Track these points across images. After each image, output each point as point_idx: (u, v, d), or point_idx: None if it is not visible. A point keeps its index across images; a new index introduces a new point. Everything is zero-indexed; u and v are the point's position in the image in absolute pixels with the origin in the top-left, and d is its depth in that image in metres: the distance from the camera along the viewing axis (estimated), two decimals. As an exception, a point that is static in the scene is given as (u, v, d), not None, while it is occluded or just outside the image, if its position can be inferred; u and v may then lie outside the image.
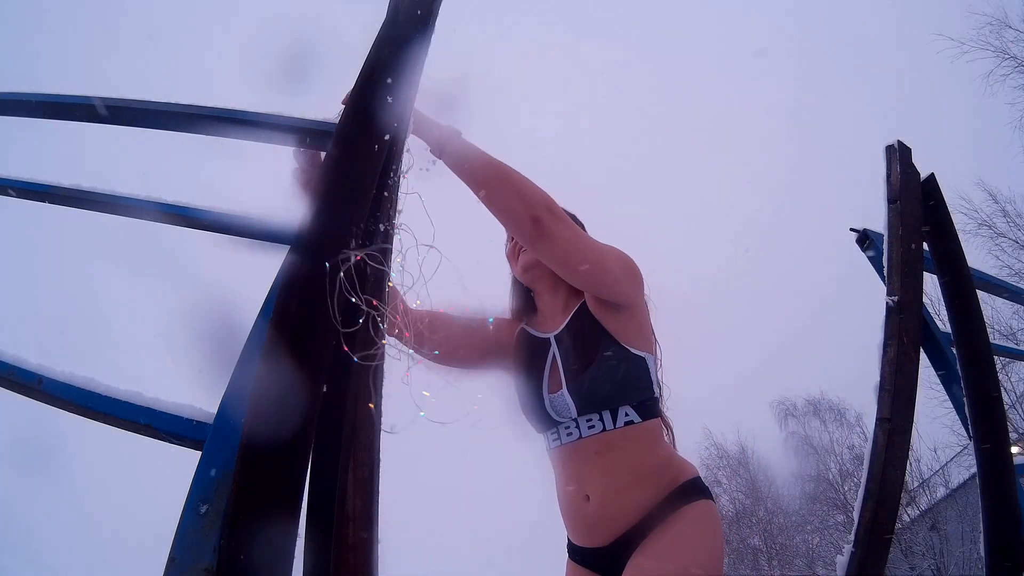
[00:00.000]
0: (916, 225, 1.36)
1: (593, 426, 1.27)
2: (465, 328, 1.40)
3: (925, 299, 1.38)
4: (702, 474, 1.33)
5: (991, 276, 1.77)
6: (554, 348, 1.34)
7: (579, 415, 1.28)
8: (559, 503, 1.34)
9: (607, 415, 1.26)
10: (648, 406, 1.29)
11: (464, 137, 1.15)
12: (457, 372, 1.40)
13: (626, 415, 1.26)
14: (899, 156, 1.41)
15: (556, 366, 1.32)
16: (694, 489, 1.27)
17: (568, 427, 1.30)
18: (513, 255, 1.45)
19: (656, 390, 1.31)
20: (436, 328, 1.30)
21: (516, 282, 1.48)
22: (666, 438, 1.35)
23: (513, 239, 1.45)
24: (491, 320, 1.45)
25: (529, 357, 1.37)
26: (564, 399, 1.28)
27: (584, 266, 1.21)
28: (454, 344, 1.36)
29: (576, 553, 1.33)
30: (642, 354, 1.29)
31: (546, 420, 1.33)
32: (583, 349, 1.29)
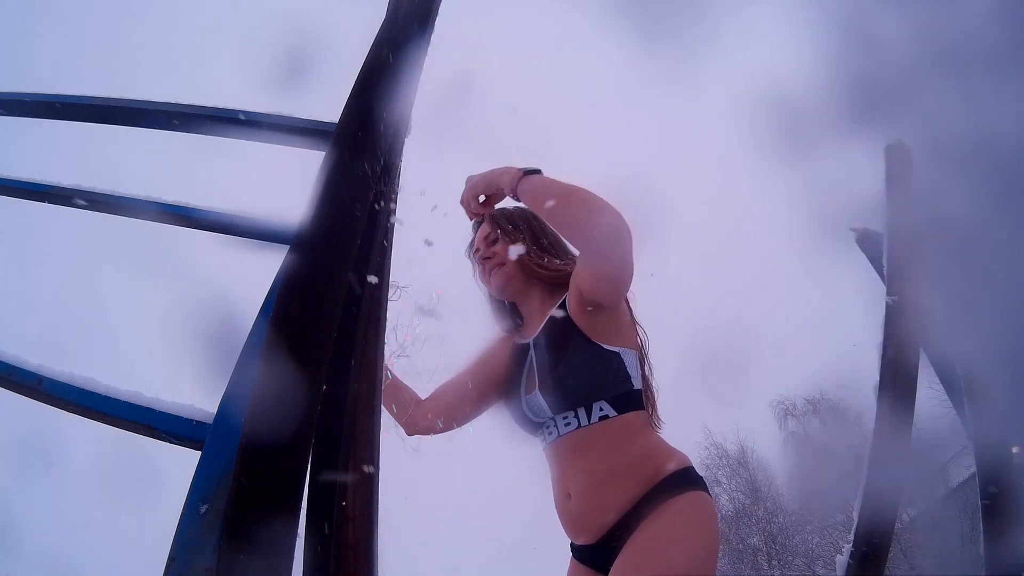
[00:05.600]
0: (916, 225, 1.37)
1: (569, 423, 1.29)
2: (458, 393, 1.46)
3: (925, 299, 1.38)
4: (702, 474, 1.32)
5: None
6: (532, 352, 1.36)
7: (555, 414, 1.30)
8: (553, 502, 1.37)
9: (581, 412, 1.28)
10: (625, 399, 1.29)
11: (533, 173, 1.25)
12: (466, 423, 1.49)
13: (600, 410, 1.27)
14: (899, 156, 1.42)
15: (532, 369, 1.34)
16: (681, 480, 1.25)
17: (549, 427, 1.32)
18: (485, 277, 1.47)
19: (636, 383, 1.31)
20: (436, 412, 1.43)
21: (496, 301, 1.50)
22: (654, 425, 1.35)
23: (482, 263, 1.47)
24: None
25: (513, 364, 1.40)
26: (537, 399, 1.31)
27: (626, 284, 1.25)
28: (452, 414, 1.46)
29: (575, 550, 1.34)
30: (616, 349, 1.29)
31: (528, 422, 1.35)
32: (554, 349, 1.31)
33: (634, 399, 1.30)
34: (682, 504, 1.21)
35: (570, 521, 1.30)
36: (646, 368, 1.37)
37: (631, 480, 1.24)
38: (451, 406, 1.46)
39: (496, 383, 1.44)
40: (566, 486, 1.30)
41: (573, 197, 1.20)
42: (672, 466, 1.26)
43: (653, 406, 1.36)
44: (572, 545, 1.34)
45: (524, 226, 1.44)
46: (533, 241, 1.43)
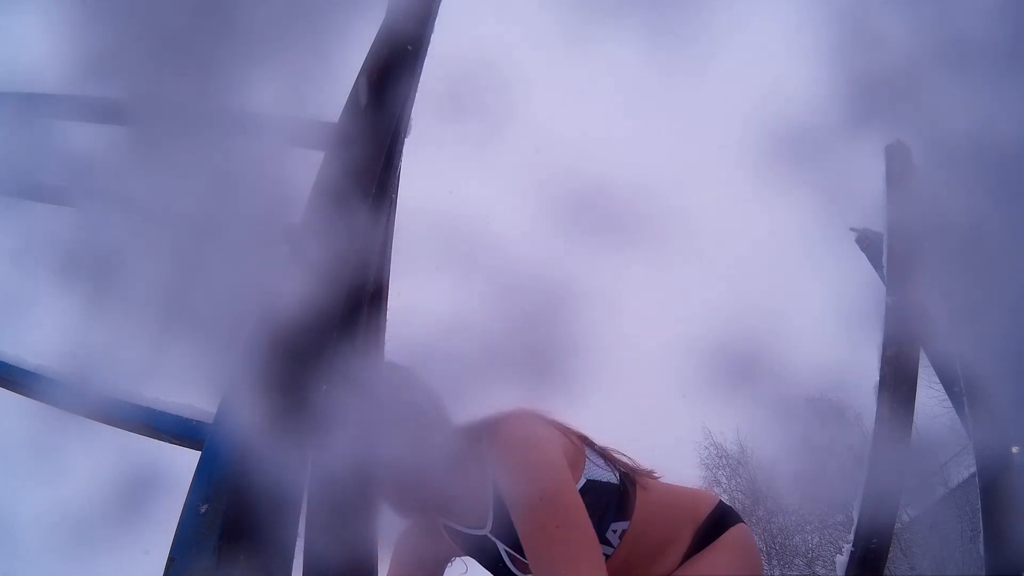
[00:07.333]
0: (916, 225, 1.36)
1: None
2: None
3: (925, 299, 1.38)
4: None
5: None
6: (498, 543, 1.20)
7: None
8: None
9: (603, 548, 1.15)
10: (622, 504, 1.19)
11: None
12: None
13: (614, 531, 1.17)
14: (899, 155, 1.41)
15: (513, 555, 1.20)
16: (714, 524, 1.26)
17: None
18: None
19: (615, 477, 1.20)
20: None
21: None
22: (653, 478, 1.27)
23: None
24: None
25: (481, 554, 1.25)
26: None
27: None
28: None
29: None
30: (581, 483, 1.15)
31: None
32: None
33: (627, 491, 1.20)
34: (724, 542, 1.23)
35: None
36: (606, 455, 1.24)
37: (676, 547, 1.23)
38: None
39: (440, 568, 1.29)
40: None
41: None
42: (701, 514, 1.26)
43: (637, 470, 1.27)
44: None
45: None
46: None
